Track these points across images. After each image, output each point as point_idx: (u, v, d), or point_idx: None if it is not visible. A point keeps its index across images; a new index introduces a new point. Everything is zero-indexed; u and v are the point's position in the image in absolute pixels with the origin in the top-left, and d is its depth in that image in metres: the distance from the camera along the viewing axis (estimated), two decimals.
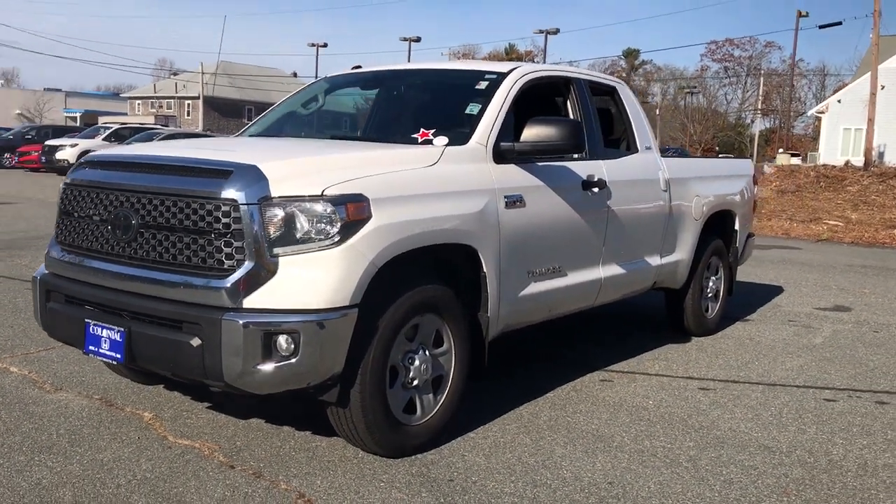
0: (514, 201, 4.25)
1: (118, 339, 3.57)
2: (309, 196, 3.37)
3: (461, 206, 3.94)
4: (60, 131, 33.76)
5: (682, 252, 6.10)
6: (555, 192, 4.59)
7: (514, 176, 4.32)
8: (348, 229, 3.39)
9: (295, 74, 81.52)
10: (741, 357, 6.02)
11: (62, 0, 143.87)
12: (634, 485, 3.61)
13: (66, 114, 78.82)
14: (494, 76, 4.65)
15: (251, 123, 5.30)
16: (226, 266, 3.36)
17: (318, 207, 3.36)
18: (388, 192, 3.59)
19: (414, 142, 4.30)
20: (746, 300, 8.40)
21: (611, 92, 5.67)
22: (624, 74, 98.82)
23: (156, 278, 3.51)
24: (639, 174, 5.51)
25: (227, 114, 77.30)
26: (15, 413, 4.17)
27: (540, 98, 5.30)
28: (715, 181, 6.59)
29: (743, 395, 5.03)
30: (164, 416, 4.22)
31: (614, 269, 5.26)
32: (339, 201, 3.38)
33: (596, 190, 4.93)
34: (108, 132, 29.43)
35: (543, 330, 6.57)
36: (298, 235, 3.36)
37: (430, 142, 4.24)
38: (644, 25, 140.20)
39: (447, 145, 4.18)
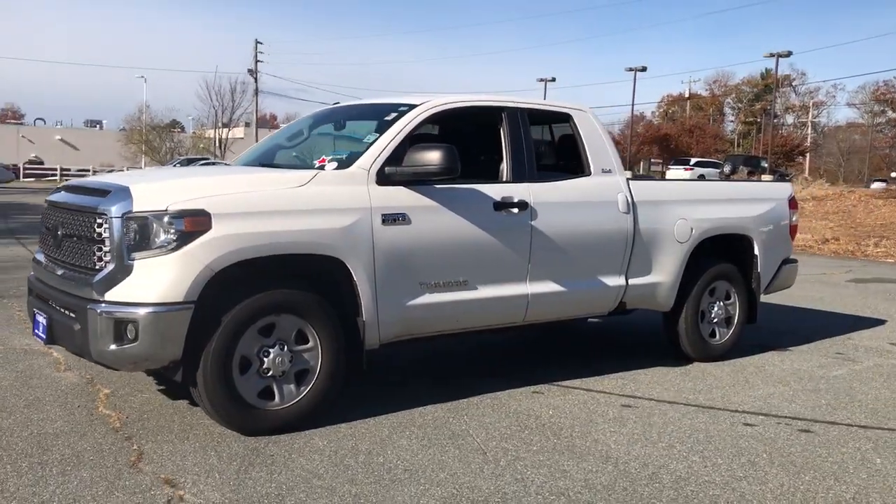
0: (394, 219, 4.74)
1: (45, 323, 4.57)
2: (157, 211, 4.15)
3: (324, 222, 4.52)
4: None
5: (662, 274, 6.13)
6: (454, 212, 5.00)
7: (398, 196, 4.81)
8: (185, 238, 4.12)
9: None
10: (718, 382, 5.92)
11: (381, 51, 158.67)
12: (427, 471, 3.97)
13: None
14: (405, 108, 5.18)
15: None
16: (97, 267, 4.24)
17: (163, 220, 4.14)
18: (235, 209, 4.28)
19: (312, 167, 4.95)
20: (818, 330, 8.02)
21: (565, 118, 5.91)
22: None
23: (66, 276, 4.48)
24: (584, 196, 5.69)
25: None
26: (18, 383, 5.32)
27: (474, 126, 5.72)
28: (713, 205, 6.51)
29: (656, 414, 5.07)
30: (118, 392, 5.17)
31: (549, 287, 5.49)
32: (178, 215, 4.13)
33: (515, 211, 5.26)
34: None
35: (535, 345, 6.89)
36: (149, 243, 4.15)
37: (323, 167, 4.86)
38: None
39: (335, 169, 4.79)
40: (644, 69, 52.10)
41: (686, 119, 71.62)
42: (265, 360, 4.42)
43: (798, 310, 9.45)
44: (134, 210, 4.17)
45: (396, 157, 4.88)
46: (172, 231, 4.13)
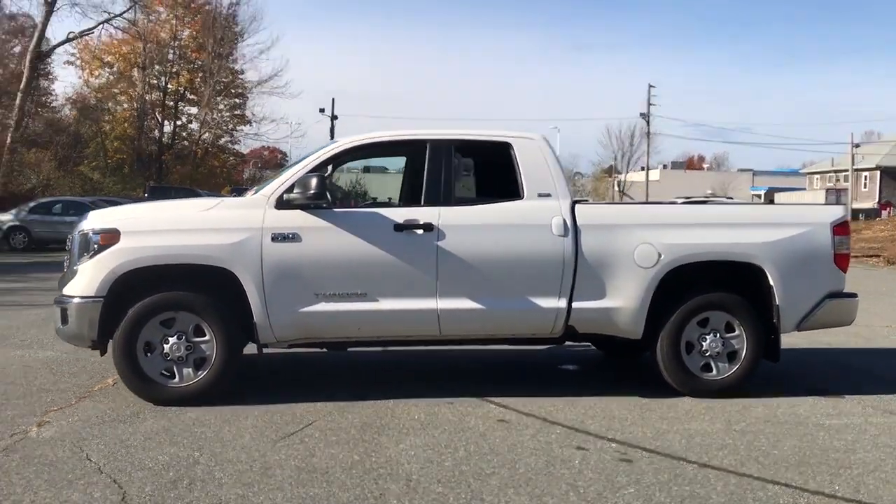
0: (283, 237, 5.64)
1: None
2: (90, 229, 5.65)
3: (217, 239, 5.61)
4: None
5: (620, 300, 5.97)
6: (349, 232, 5.71)
7: (292, 218, 5.68)
8: (101, 249, 5.55)
9: None
10: (652, 415, 5.62)
11: (771, 88, 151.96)
12: (206, 442, 4.81)
13: (752, 191, 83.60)
14: (329, 144, 6.05)
15: None
16: (65, 269, 5.87)
17: (90, 236, 5.62)
18: (141, 227, 5.61)
19: (243, 194, 6.08)
20: None
21: (505, 147, 6.15)
22: None
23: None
24: (509, 219, 5.88)
25: None
26: (72, 357, 7.15)
27: (409, 156, 6.32)
28: (696, 229, 6.08)
29: (511, 429, 5.18)
30: None
31: (463, 304, 5.81)
32: (98, 232, 5.59)
33: (420, 232, 5.77)
34: None
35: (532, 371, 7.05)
36: (86, 252, 5.65)
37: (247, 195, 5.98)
38: None
39: (251, 196, 5.88)
40: None
41: None
42: (165, 346, 5.62)
43: None
44: (82, 229, 5.73)
45: (294, 186, 5.77)
46: (94, 244, 5.58)
